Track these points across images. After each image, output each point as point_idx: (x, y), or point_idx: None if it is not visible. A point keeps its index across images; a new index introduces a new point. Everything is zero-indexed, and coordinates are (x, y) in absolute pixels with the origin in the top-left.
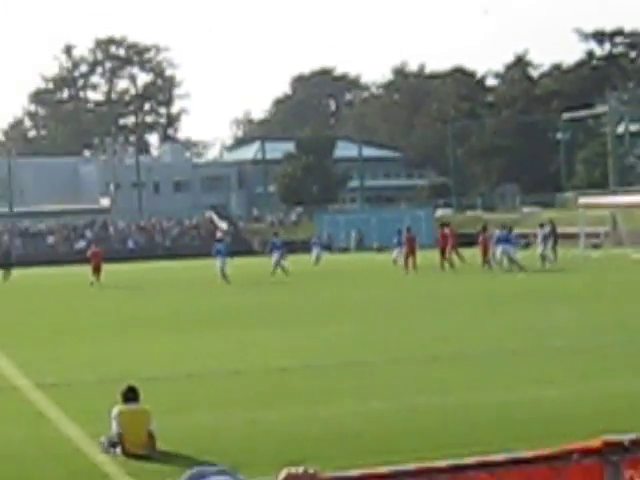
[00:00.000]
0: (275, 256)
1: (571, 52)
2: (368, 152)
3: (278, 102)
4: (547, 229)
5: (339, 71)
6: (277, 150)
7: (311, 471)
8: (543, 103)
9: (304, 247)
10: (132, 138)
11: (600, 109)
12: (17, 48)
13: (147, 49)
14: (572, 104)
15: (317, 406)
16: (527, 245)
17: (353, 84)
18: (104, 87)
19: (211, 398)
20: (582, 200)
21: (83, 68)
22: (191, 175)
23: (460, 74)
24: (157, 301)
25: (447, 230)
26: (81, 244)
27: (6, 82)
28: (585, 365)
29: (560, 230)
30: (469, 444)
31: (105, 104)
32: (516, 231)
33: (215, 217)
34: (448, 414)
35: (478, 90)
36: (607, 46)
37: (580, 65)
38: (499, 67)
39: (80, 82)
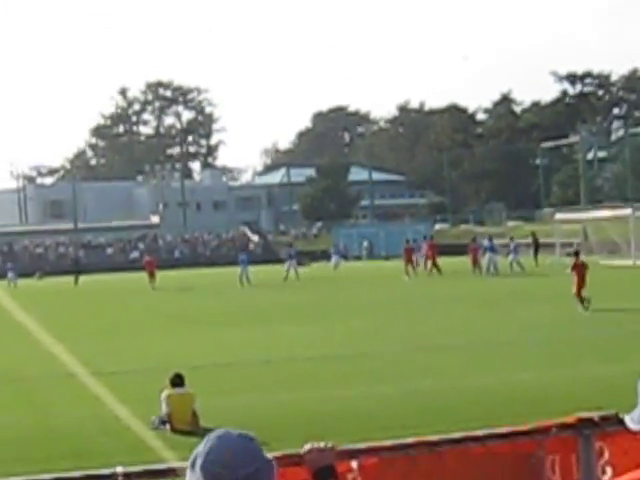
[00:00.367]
0: (288, 263)
1: (548, 91)
2: (377, 176)
3: (301, 134)
4: (516, 242)
5: (352, 108)
6: (300, 175)
7: (330, 445)
8: (525, 134)
9: (323, 256)
10: (177, 165)
11: (573, 139)
12: (80, 90)
13: (190, 90)
14: (549, 135)
15: (335, 389)
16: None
17: (364, 119)
18: (154, 123)
19: (245, 383)
20: (558, 215)
21: (136, 107)
22: (227, 196)
23: (454, 110)
24: (199, 302)
25: (429, 243)
26: (135, 254)
27: (71, 119)
28: (561, 354)
29: (540, 240)
30: (464, 421)
31: (155, 137)
32: (502, 241)
33: (248, 231)
34: (446, 396)
35: (470, 123)
36: (578, 86)
37: (556, 102)
38: (488, 104)
39: (133, 118)
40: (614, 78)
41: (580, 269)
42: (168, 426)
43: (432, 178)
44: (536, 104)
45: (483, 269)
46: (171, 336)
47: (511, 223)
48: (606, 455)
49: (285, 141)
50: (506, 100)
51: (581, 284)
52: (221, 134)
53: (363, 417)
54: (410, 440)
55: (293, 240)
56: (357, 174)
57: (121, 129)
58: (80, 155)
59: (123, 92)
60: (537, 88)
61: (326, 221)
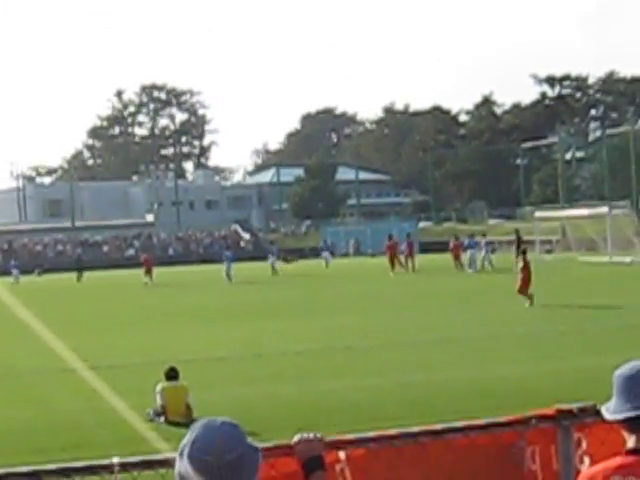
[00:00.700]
0: (271, 259)
1: (528, 93)
2: (363, 176)
3: (290, 135)
4: (486, 239)
5: (339, 110)
6: (290, 175)
7: (318, 436)
8: (505, 135)
9: (312, 253)
10: (171, 166)
11: (552, 140)
12: (77, 92)
13: (183, 93)
14: (529, 136)
15: (324, 382)
16: (493, 250)
17: (351, 120)
18: (148, 124)
19: (237, 376)
20: (537, 213)
21: (131, 109)
22: (219, 195)
23: (438, 111)
24: (192, 298)
25: (407, 241)
26: (130, 252)
27: (69, 120)
28: (541, 348)
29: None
30: (448, 412)
31: (149, 138)
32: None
33: (239, 229)
34: (432, 388)
35: (452, 125)
36: (557, 88)
37: (535, 104)
38: (470, 106)
39: (129, 120)
40: (591, 80)
41: (527, 267)
42: (163, 418)
43: (416, 178)
44: (516, 106)
45: (465, 266)
46: (166, 331)
47: (492, 221)
48: (584, 445)
49: (275, 142)
50: (487, 102)
51: (527, 281)
52: (213, 135)
53: (351, 409)
54: (395, 431)
55: (286, 238)
56: (344, 174)
57: (117, 130)
58: (77, 156)
59: (119, 94)
60: (517, 90)
61: (314, 219)
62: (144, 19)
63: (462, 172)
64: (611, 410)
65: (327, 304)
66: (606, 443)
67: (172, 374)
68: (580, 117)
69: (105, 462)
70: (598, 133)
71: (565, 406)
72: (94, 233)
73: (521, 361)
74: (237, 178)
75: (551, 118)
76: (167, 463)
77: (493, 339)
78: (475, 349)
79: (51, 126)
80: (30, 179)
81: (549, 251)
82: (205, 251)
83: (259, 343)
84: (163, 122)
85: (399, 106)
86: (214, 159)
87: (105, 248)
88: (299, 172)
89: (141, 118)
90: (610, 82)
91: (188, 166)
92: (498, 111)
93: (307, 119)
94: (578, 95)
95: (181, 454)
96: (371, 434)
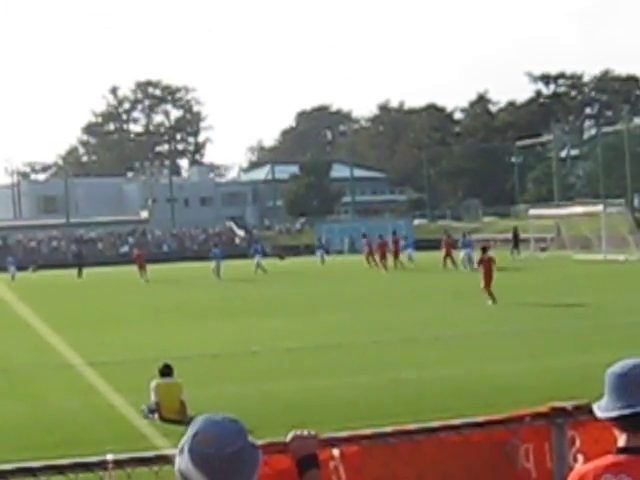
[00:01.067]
0: (257, 258)
1: (523, 91)
2: (358, 173)
3: (285, 132)
4: (468, 237)
5: (334, 107)
6: (284, 172)
7: (313, 433)
8: (500, 133)
9: (307, 250)
10: (166, 162)
11: (546, 138)
12: (72, 89)
13: (178, 89)
14: (524, 134)
15: (318, 379)
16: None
17: (346, 118)
18: (143, 121)
19: (231, 373)
20: (532, 211)
21: (126, 105)
22: (214, 192)
23: (433, 109)
24: (186, 295)
25: (394, 238)
26: (125, 248)
27: (63, 117)
28: (535, 345)
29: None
30: (442, 410)
31: (144, 135)
32: (477, 236)
33: (234, 226)
34: (424, 386)
35: (447, 122)
36: (552, 86)
37: (530, 102)
38: (465, 104)
39: (124, 117)
40: (586, 79)
41: (487, 264)
42: (157, 415)
43: (411, 175)
44: (511, 104)
45: (458, 264)
46: (160, 328)
47: (487, 219)
48: (578, 443)
49: (270, 139)
50: (482, 100)
51: (489, 278)
52: (208, 132)
53: (345, 406)
54: (390, 429)
55: (280, 235)
56: (339, 171)
57: (112, 127)
58: (72, 152)
59: (114, 91)
60: (512, 88)
61: (309, 216)
62: (139, 16)
63: (457, 170)
64: (602, 408)
65: (321, 301)
66: (600, 441)
67: (166, 371)
68: (575, 115)
69: (98, 459)
70: (593, 131)
71: (559, 404)
72: (89, 229)
73: (515, 359)
74: (232, 175)
75: (546, 116)
76: (161, 459)
77: (487, 337)
78: (469, 346)
79: (46, 122)
80: (25, 175)
81: (544, 249)
82: (200, 248)
83: (252, 340)
84: (158, 119)
85: (394, 103)
86: (209, 156)
87: (100, 244)
88: (294, 169)
89: (136, 115)
90: (605, 80)
91: (183, 163)
92: (493, 109)
93: (302, 116)
94: (573, 93)
95: (181, 450)
96: (365, 431)
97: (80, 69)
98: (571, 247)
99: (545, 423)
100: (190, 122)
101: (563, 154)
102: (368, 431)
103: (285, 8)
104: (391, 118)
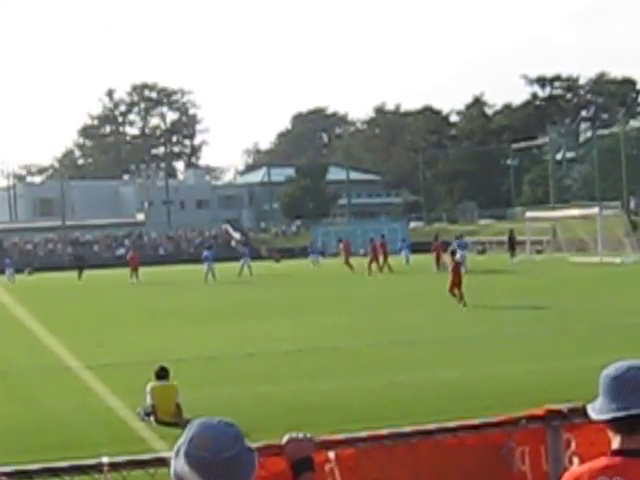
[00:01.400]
0: (242, 261)
1: (519, 94)
2: (354, 176)
3: (281, 135)
4: (458, 241)
5: (330, 110)
6: (280, 174)
7: (308, 436)
8: (496, 136)
9: (302, 253)
10: (162, 165)
11: (542, 140)
12: (69, 91)
13: (174, 92)
14: (520, 136)
15: (314, 382)
16: (483, 251)
17: (342, 120)
18: (139, 123)
19: (227, 375)
20: (528, 214)
21: (122, 108)
22: (210, 195)
23: (429, 112)
24: (183, 297)
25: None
26: (121, 251)
27: (60, 119)
28: (530, 348)
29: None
30: (437, 413)
31: (140, 137)
32: (474, 239)
33: (230, 229)
34: (421, 388)
35: (444, 125)
36: (548, 89)
37: (526, 104)
38: (461, 106)
39: (120, 119)
40: (582, 81)
41: (456, 268)
42: (152, 417)
43: (407, 178)
44: (507, 106)
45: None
46: (156, 330)
47: (483, 221)
48: (573, 446)
49: (266, 142)
50: (478, 102)
51: (457, 282)
52: (204, 134)
53: (341, 409)
54: (386, 431)
55: (273, 238)
56: (335, 174)
57: (108, 129)
58: (68, 154)
59: (110, 94)
60: (508, 91)
61: (305, 219)
62: (136, 19)
63: (453, 172)
64: (597, 410)
65: (317, 304)
66: (595, 444)
67: (162, 373)
68: (571, 118)
69: (95, 461)
70: (589, 134)
71: (555, 406)
72: (85, 232)
73: (511, 361)
74: (228, 178)
75: (542, 119)
76: (157, 462)
77: (482, 339)
78: (464, 349)
79: (42, 125)
80: (21, 178)
81: (540, 251)
82: (196, 251)
83: (248, 342)
84: (154, 121)
85: (390, 106)
86: (205, 159)
87: (96, 247)
88: (290, 172)
89: (132, 117)
90: (601, 83)
91: (179, 165)
92: (489, 111)
93: (298, 119)
94: (569, 96)
95: (177, 453)
96: (361, 434)
97: (76, 72)
98: (567, 249)
99: (541, 426)
100: (186, 125)
101: (559, 157)
102: (364, 433)
103: (281, 11)
104: (387, 121)
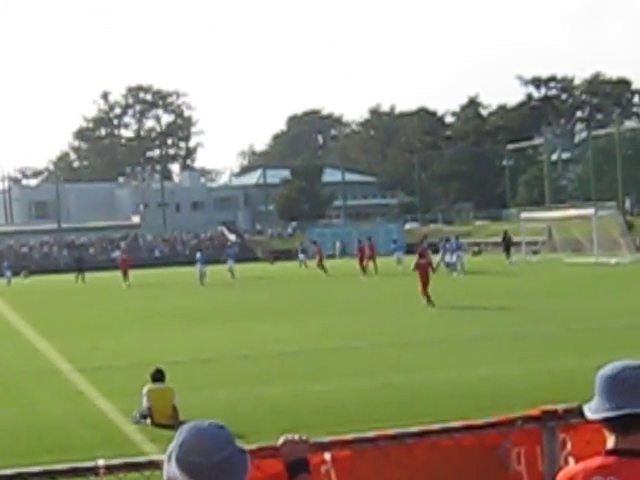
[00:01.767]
0: (230, 263)
1: (514, 95)
2: (349, 177)
3: (276, 137)
4: (450, 243)
5: (326, 111)
6: (276, 176)
7: (304, 437)
8: (491, 136)
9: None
10: (157, 167)
11: (538, 141)
12: (64, 94)
13: (169, 94)
14: (515, 137)
15: (309, 384)
16: (479, 252)
17: (337, 122)
18: (134, 126)
19: (223, 378)
20: (524, 215)
21: (117, 110)
22: (206, 197)
23: (424, 113)
24: (178, 299)
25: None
26: (116, 253)
27: (55, 122)
28: (526, 349)
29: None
30: (433, 414)
31: (135, 140)
32: (469, 240)
33: (225, 231)
34: (417, 390)
35: (439, 126)
36: (543, 90)
37: (521, 105)
38: (456, 107)
39: (115, 122)
40: (577, 82)
41: (424, 268)
42: (149, 420)
43: (403, 179)
44: (502, 107)
45: (451, 267)
46: (151, 332)
47: (479, 222)
48: (569, 446)
49: (261, 143)
50: (473, 104)
51: (425, 282)
52: (199, 137)
53: (336, 410)
54: (381, 433)
55: (272, 239)
56: (330, 175)
57: (103, 132)
58: (63, 157)
59: (105, 96)
60: (503, 92)
61: (301, 221)
62: (131, 22)
63: (448, 173)
64: (592, 409)
65: (312, 306)
66: (591, 444)
67: (158, 376)
68: (566, 118)
69: (90, 464)
70: (584, 134)
71: (550, 407)
72: (80, 235)
73: (506, 362)
74: (223, 180)
75: (537, 119)
76: (152, 465)
77: (478, 340)
78: (460, 350)
79: (37, 128)
80: (16, 181)
81: (535, 252)
82: (191, 253)
83: (244, 345)
84: (149, 124)
85: (385, 107)
86: (200, 161)
87: (91, 250)
88: (285, 174)
89: (127, 120)
90: (596, 83)
91: (174, 168)
92: (484, 112)
93: (293, 120)
94: (564, 96)
95: (169, 458)
96: (357, 435)
97: (71, 74)
98: (563, 250)
99: (536, 426)
100: (181, 127)
101: (554, 157)
102: (360, 435)
103: (276, 13)
104: (382, 122)
